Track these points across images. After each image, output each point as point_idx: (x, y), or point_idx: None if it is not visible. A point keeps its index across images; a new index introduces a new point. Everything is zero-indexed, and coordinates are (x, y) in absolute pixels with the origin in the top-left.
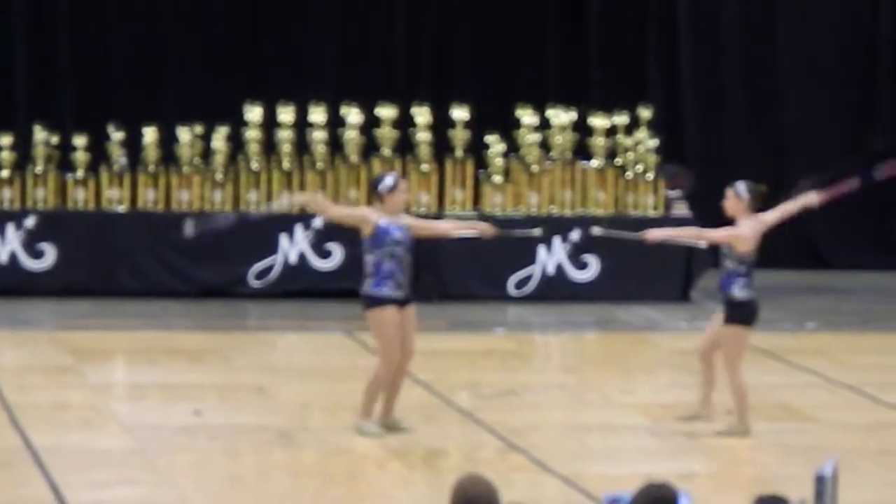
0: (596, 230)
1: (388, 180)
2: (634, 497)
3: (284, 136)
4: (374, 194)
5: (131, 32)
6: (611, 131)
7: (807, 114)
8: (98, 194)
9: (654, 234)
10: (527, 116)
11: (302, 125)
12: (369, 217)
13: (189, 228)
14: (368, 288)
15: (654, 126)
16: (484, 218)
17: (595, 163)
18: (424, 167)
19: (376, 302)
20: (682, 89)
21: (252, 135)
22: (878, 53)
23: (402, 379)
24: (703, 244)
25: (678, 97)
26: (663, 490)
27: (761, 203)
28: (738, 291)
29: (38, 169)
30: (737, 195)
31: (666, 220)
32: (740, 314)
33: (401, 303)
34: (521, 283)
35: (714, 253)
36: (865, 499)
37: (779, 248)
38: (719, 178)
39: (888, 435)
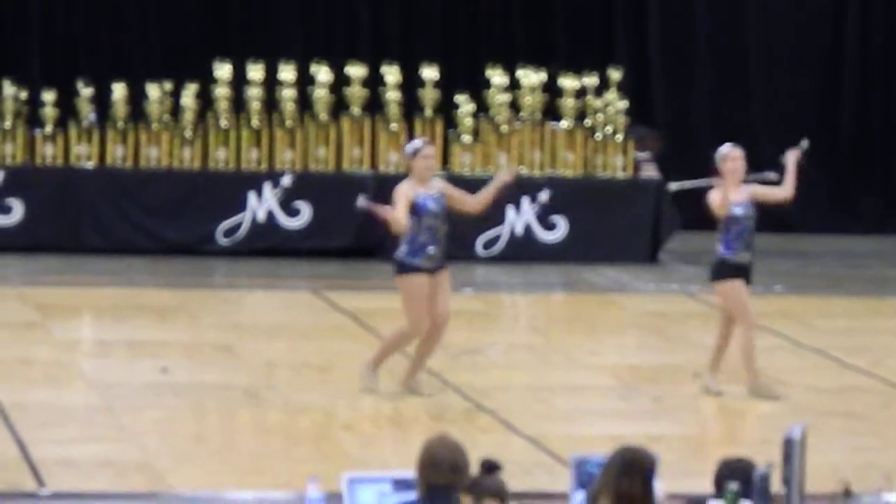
0: (673, 186)
1: (412, 145)
2: (609, 458)
3: (253, 93)
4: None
5: None
6: (580, 92)
7: (775, 75)
8: (66, 150)
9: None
10: (496, 77)
11: (271, 83)
12: (407, 196)
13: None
14: (402, 254)
15: (624, 88)
16: (452, 178)
17: (564, 124)
18: (393, 126)
19: (406, 269)
20: (652, 51)
21: (221, 92)
22: (846, 16)
23: (435, 345)
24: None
25: (647, 59)
26: (639, 454)
27: None
28: None
29: (7, 124)
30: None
31: (634, 182)
32: None
33: (431, 271)
34: (489, 244)
35: (682, 215)
36: (833, 462)
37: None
38: (688, 141)
39: (855, 398)
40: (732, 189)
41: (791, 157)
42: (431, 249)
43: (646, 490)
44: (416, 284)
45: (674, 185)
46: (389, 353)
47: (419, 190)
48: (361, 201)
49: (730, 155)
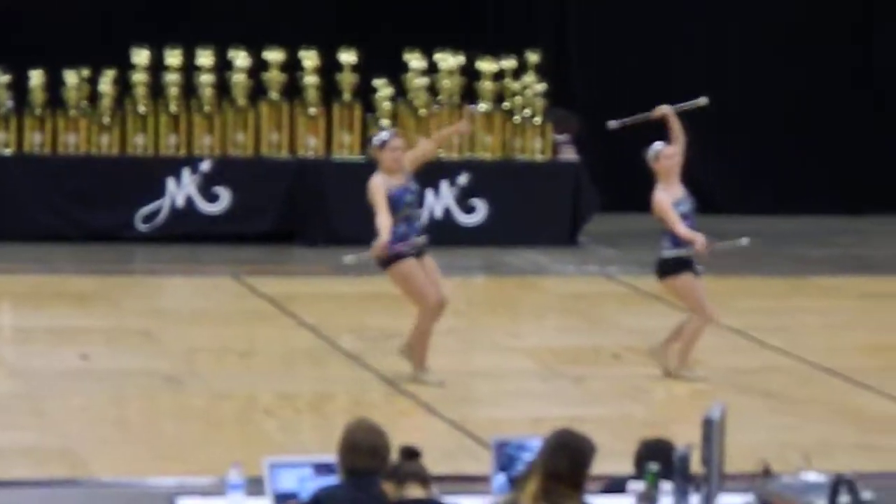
0: (612, 123)
1: (378, 136)
2: (545, 439)
3: (171, 79)
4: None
5: None
6: (498, 75)
7: (697, 55)
8: None
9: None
10: (414, 60)
11: (189, 68)
12: (382, 191)
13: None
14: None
15: (543, 70)
16: (370, 163)
17: (483, 107)
18: (312, 111)
19: (392, 259)
20: (570, 33)
21: (139, 78)
22: None
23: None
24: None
25: (566, 41)
26: (574, 437)
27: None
28: None
29: None
30: None
31: (553, 164)
32: None
33: (416, 255)
34: None
35: (602, 197)
36: (752, 441)
37: None
38: (606, 123)
39: (774, 378)
40: (672, 187)
41: (666, 111)
42: (413, 237)
43: (575, 472)
44: (406, 266)
45: (613, 123)
46: (422, 344)
47: (391, 182)
48: (350, 258)
49: (663, 153)
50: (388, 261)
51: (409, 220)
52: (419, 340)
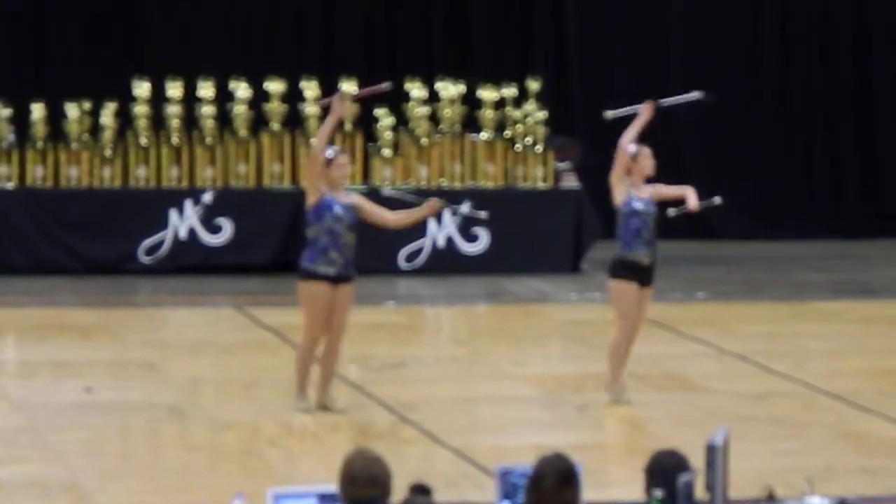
0: (609, 113)
1: (327, 152)
2: (536, 469)
3: (173, 111)
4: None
5: (16, 8)
6: (499, 104)
7: (695, 79)
8: None
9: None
10: (415, 89)
11: (190, 100)
12: (319, 185)
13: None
14: (303, 260)
15: (543, 98)
16: (374, 191)
17: (484, 135)
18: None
19: (306, 275)
20: (570, 59)
21: (140, 110)
22: (763, 18)
23: (333, 359)
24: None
25: (566, 67)
26: (563, 461)
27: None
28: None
29: None
30: None
31: (555, 192)
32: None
33: (333, 280)
34: (411, 257)
35: (604, 223)
36: (755, 467)
37: (667, 219)
38: (608, 150)
39: (777, 403)
40: (638, 187)
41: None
42: (334, 254)
43: (579, 496)
44: (314, 290)
45: (609, 113)
46: (301, 370)
47: (330, 192)
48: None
49: (642, 152)
50: (301, 275)
51: (334, 236)
52: (298, 362)
